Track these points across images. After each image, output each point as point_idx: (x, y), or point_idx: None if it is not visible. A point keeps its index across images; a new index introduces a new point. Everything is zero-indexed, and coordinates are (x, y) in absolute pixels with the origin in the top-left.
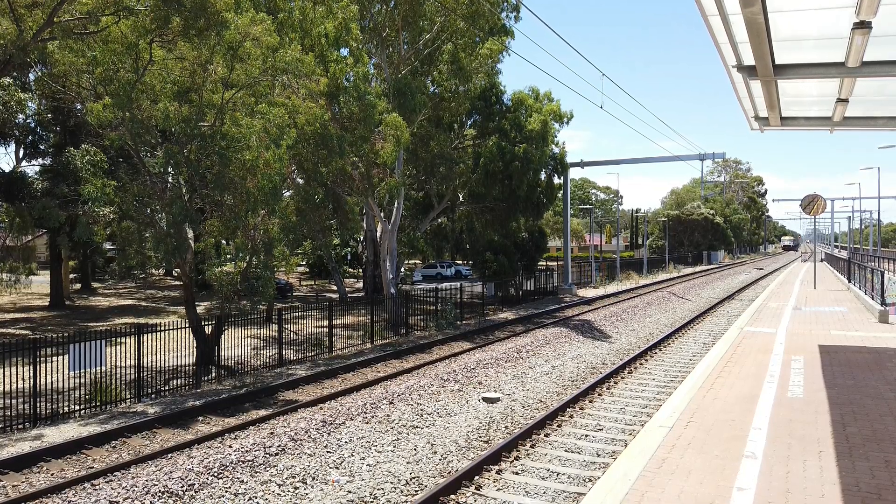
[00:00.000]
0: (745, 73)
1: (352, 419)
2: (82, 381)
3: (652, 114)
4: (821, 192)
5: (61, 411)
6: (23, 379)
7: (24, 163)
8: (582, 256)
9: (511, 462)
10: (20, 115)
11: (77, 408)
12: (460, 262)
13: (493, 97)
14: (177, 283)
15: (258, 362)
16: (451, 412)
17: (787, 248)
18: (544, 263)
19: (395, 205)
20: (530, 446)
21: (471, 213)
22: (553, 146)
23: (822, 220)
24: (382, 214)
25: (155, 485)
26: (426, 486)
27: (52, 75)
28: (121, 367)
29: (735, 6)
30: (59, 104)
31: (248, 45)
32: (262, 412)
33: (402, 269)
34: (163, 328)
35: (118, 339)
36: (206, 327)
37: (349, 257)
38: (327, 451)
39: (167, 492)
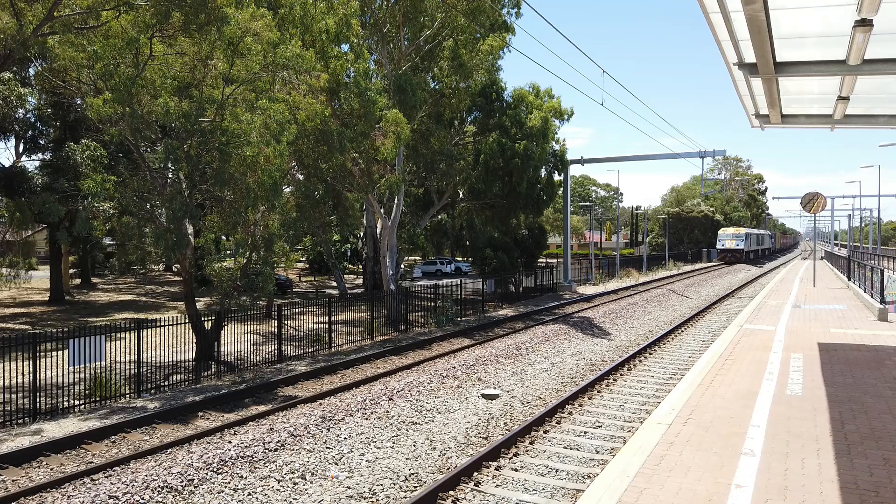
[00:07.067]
0: (747, 71)
1: (351, 415)
2: (82, 376)
3: (653, 111)
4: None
5: (61, 406)
6: (22, 374)
7: (24, 157)
8: (582, 253)
9: (510, 458)
10: (20, 110)
11: (77, 403)
12: (460, 258)
13: (493, 94)
14: (176, 278)
15: (258, 358)
16: (451, 409)
17: (727, 259)
18: (544, 260)
19: (396, 201)
20: (529, 443)
21: (471, 210)
22: (553, 143)
23: (823, 217)
24: (382, 211)
25: (154, 480)
26: (425, 482)
27: (53, 70)
28: (120, 363)
29: (736, 3)
30: (60, 99)
31: (248, 40)
32: (262, 408)
33: (402, 266)
34: (162, 323)
35: (118, 335)
36: (205, 323)
37: (349, 253)
38: (326, 447)
39: (166, 487)
